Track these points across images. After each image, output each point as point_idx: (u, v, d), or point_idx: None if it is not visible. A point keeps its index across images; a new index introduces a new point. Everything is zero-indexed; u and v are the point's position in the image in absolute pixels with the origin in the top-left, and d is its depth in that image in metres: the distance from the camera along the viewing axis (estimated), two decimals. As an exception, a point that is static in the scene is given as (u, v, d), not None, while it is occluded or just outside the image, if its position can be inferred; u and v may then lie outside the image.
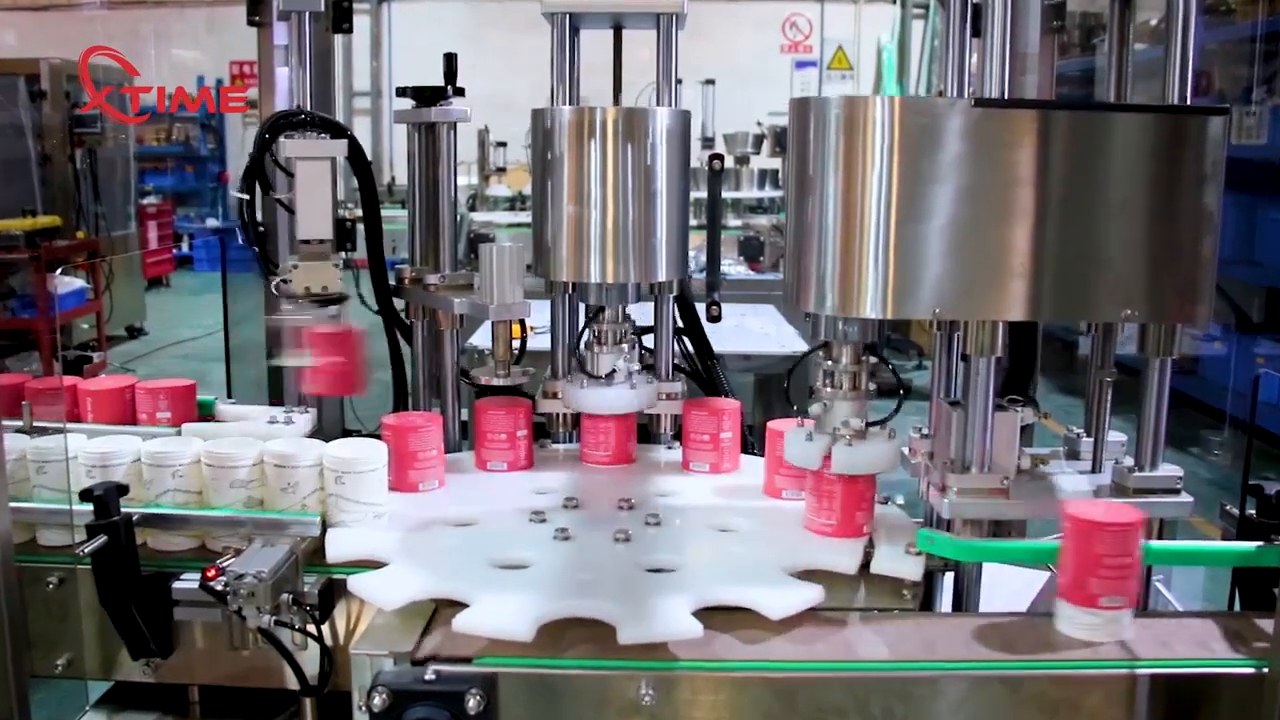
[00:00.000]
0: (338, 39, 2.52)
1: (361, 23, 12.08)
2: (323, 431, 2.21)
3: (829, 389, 1.82)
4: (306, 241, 2.13)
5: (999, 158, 1.64)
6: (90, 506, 1.70)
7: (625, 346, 2.27)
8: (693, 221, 2.40)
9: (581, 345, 2.32)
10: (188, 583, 1.69)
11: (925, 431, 1.91)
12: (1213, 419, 6.12)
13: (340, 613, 1.79)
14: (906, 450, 1.93)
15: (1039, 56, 2.11)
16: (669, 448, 2.36)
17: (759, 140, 8.38)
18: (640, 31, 2.32)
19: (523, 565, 1.76)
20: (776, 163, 8.41)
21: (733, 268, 6.39)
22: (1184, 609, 1.87)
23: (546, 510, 1.98)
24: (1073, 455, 1.95)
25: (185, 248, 13.59)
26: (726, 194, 7.83)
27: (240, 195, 2.16)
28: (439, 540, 1.87)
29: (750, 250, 6.58)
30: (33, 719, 1.65)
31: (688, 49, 2.28)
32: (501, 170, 8.92)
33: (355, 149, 2.19)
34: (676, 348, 2.40)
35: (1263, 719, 1.50)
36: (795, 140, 1.75)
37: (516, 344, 2.28)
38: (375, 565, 1.75)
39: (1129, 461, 1.82)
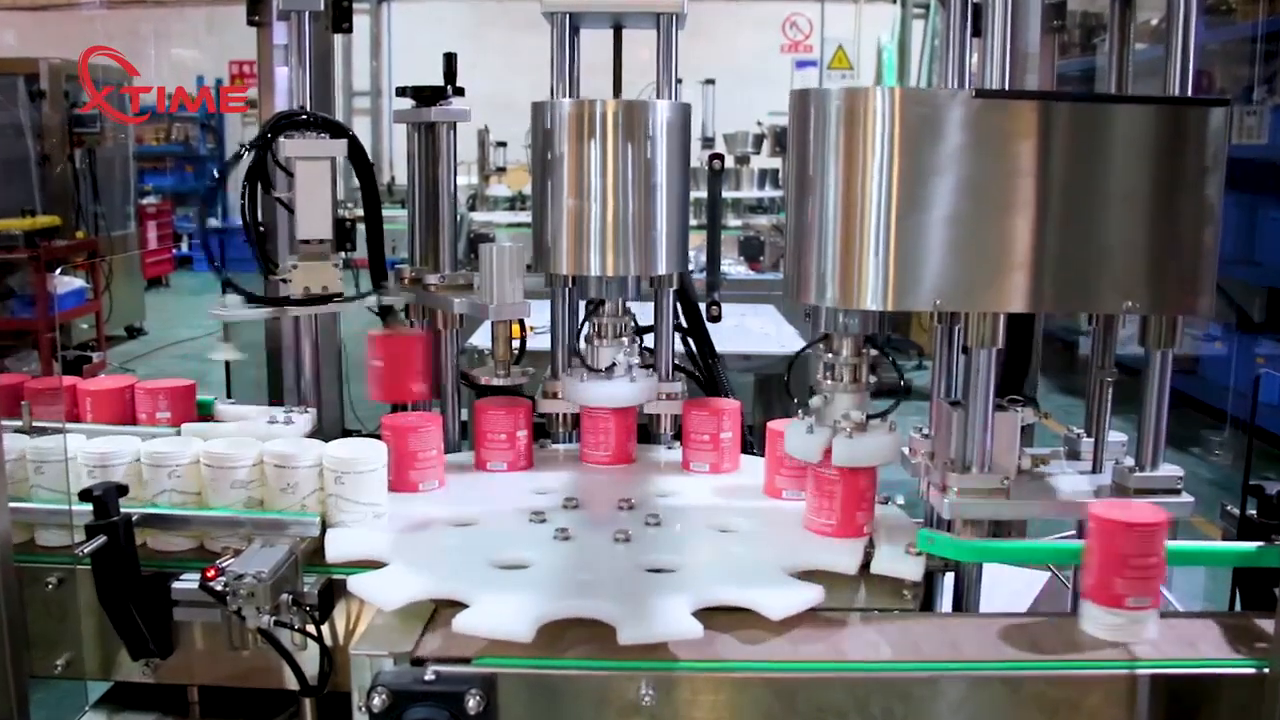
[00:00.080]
0: (337, 39, 2.52)
1: (361, 22, 12.04)
2: (323, 431, 2.20)
3: (829, 382, 1.82)
4: (306, 241, 2.13)
5: (1000, 149, 1.63)
6: (90, 506, 1.70)
7: (625, 340, 2.27)
8: (693, 221, 2.40)
9: (581, 339, 2.32)
10: (187, 583, 1.69)
11: (925, 431, 1.91)
12: (1213, 419, 6.12)
13: (340, 613, 1.79)
14: (907, 450, 1.92)
15: (1039, 56, 2.11)
16: (669, 448, 2.36)
17: (759, 140, 8.38)
18: (640, 31, 2.31)
19: (522, 565, 1.76)
20: (776, 162, 8.41)
21: (733, 268, 6.39)
22: (1184, 609, 1.87)
23: (546, 510, 1.97)
24: (1073, 455, 1.95)
25: (185, 247, 13.59)
26: (726, 194, 7.83)
27: (216, 180, 2.16)
28: (438, 540, 1.87)
29: (750, 250, 6.58)
30: (32, 719, 1.65)
31: (688, 49, 2.28)
32: (501, 170, 8.92)
33: (356, 149, 2.19)
34: (679, 347, 2.40)
35: (1263, 719, 1.50)
36: (796, 132, 1.74)
37: (516, 344, 2.28)
38: (375, 565, 1.75)
39: (1129, 461, 1.82)
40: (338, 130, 2.16)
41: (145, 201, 11.83)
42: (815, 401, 1.84)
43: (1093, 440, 1.93)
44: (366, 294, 2.22)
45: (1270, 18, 6.80)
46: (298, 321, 2.40)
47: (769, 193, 8.22)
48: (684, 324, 2.44)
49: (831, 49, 11.55)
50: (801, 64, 12.65)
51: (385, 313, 2.29)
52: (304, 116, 2.16)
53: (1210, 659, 1.58)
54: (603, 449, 2.26)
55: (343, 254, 2.19)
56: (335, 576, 1.76)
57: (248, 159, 2.13)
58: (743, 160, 8.25)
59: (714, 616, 1.60)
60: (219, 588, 1.63)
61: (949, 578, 1.84)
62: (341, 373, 2.59)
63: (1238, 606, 1.82)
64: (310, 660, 1.75)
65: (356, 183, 2.29)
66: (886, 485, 1.92)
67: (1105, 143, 1.64)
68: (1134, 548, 1.56)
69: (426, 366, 2.26)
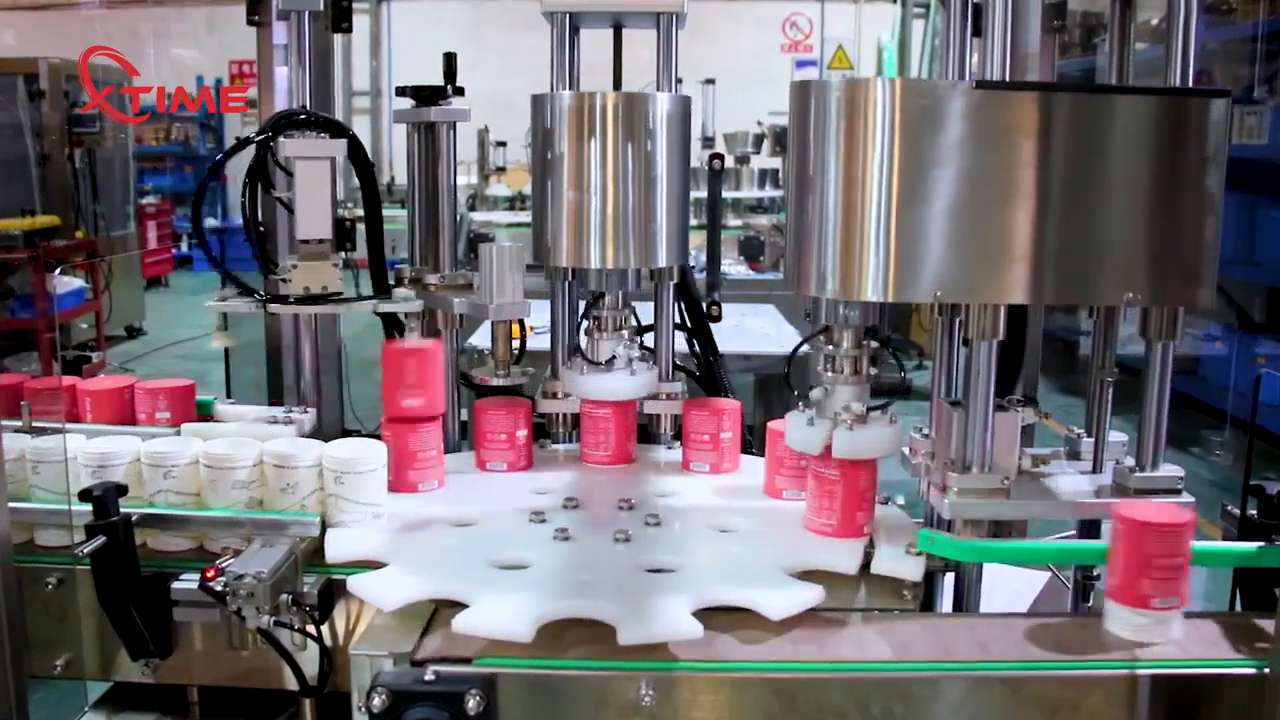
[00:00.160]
0: (337, 38, 2.52)
1: (361, 22, 12.05)
2: (322, 431, 2.20)
3: (830, 374, 1.82)
4: (306, 241, 2.13)
5: (1000, 140, 1.63)
6: (89, 507, 1.70)
7: (625, 333, 2.27)
8: (693, 221, 2.40)
9: (581, 332, 2.32)
10: (187, 583, 1.69)
11: (926, 431, 1.90)
12: (1214, 419, 6.11)
13: (340, 613, 1.79)
14: (907, 450, 1.92)
15: (1040, 56, 2.11)
16: (669, 448, 2.35)
17: (759, 140, 8.38)
18: (640, 31, 2.31)
19: (522, 565, 1.76)
20: (776, 162, 8.41)
21: (733, 267, 6.39)
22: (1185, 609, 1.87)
23: (546, 510, 1.97)
24: (1073, 455, 1.95)
25: (184, 247, 13.59)
26: (726, 194, 7.83)
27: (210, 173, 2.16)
28: (438, 540, 1.87)
29: (750, 250, 6.58)
30: (31, 719, 1.65)
31: (688, 48, 2.28)
32: (501, 170, 8.92)
33: (356, 149, 2.19)
34: (681, 347, 2.40)
35: (1264, 719, 1.50)
36: (796, 123, 1.74)
37: (516, 344, 2.28)
38: (375, 565, 1.75)
39: (1130, 461, 1.82)
40: (338, 130, 2.16)
41: (145, 201, 11.84)
42: (816, 394, 1.84)
43: (1093, 440, 1.93)
44: (367, 298, 2.21)
45: (1271, 17, 6.80)
46: (297, 321, 2.40)
47: (769, 193, 8.21)
48: (686, 322, 2.44)
49: (831, 49, 11.55)
50: (801, 64, 12.65)
51: (393, 323, 2.28)
52: (304, 116, 2.16)
53: (1210, 659, 1.57)
54: (603, 449, 2.26)
55: (342, 254, 2.19)
56: (335, 577, 1.76)
57: (245, 152, 2.13)
58: (743, 160, 8.25)
59: (714, 616, 1.60)
60: (219, 588, 1.63)
61: (949, 578, 1.84)
62: (341, 373, 2.59)
63: (1238, 606, 1.82)
64: (310, 660, 1.74)
65: (356, 182, 2.29)
66: (886, 485, 1.92)
67: (1106, 134, 1.64)
68: (1160, 548, 1.56)
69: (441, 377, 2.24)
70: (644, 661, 1.52)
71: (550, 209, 2.17)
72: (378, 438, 2.05)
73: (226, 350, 2.43)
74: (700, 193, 4.31)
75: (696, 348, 2.49)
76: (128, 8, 13.43)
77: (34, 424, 1.98)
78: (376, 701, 1.46)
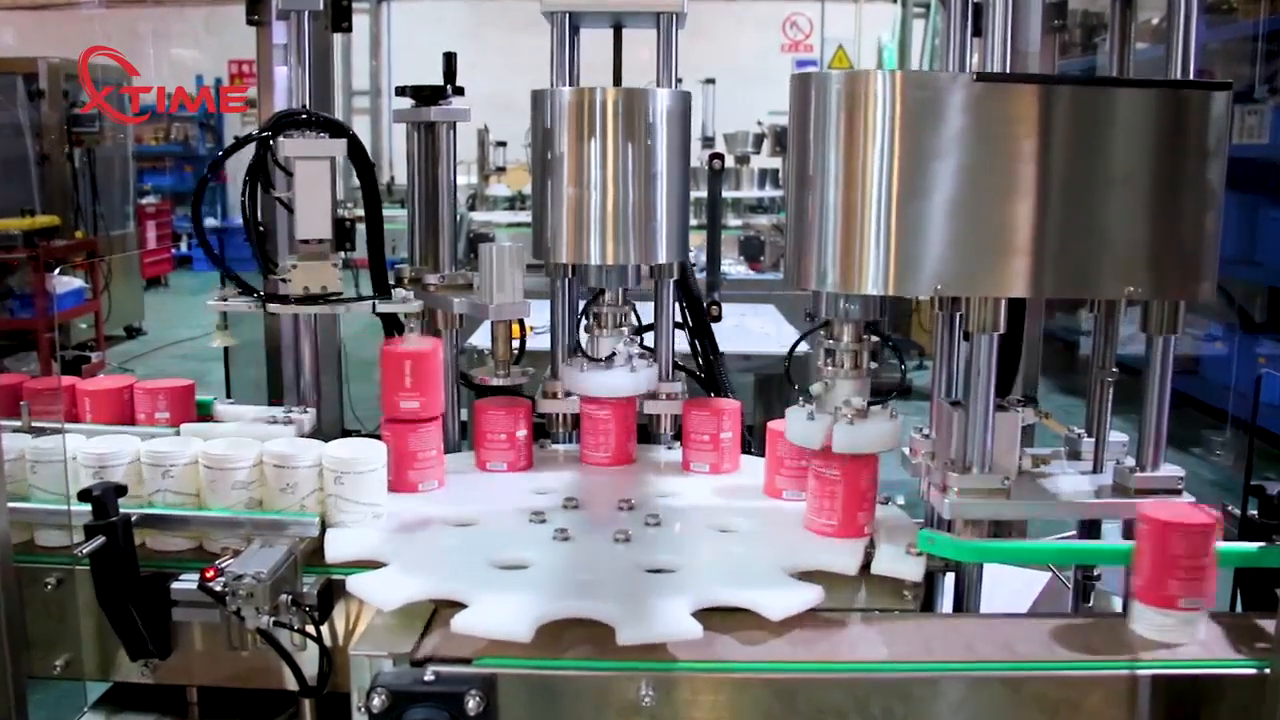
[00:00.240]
0: (337, 38, 2.52)
1: (361, 22, 12.07)
2: (322, 431, 2.20)
3: (830, 368, 1.82)
4: (306, 241, 2.13)
5: (1001, 134, 1.63)
6: (89, 507, 1.69)
7: (625, 330, 2.27)
8: (693, 221, 2.40)
9: (581, 328, 2.31)
10: (186, 583, 1.69)
11: (926, 431, 1.90)
12: (1214, 419, 6.11)
13: (339, 613, 1.79)
14: (907, 450, 1.92)
15: (1040, 56, 2.11)
16: (669, 448, 2.35)
17: (759, 140, 8.37)
18: (640, 31, 2.31)
19: (522, 565, 1.76)
20: (776, 162, 8.41)
21: (733, 267, 6.39)
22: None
23: (546, 510, 1.97)
24: (1074, 455, 1.95)
25: (184, 247, 13.59)
26: (727, 193, 7.82)
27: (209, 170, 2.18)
28: (438, 540, 1.87)
29: (750, 250, 6.57)
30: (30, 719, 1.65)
31: (688, 48, 2.28)
32: (501, 170, 8.91)
33: (356, 148, 2.19)
34: (682, 348, 2.39)
35: (1264, 719, 1.50)
36: (796, 117, 1.74)
37: (516, 344, 2.28)
38: (374, 565, 1.75)
39: (1130, 461, 1.82)
40: (338, 130, 2.16)
41: (144, 201, 11.83)
42: (816, 389, 1.84)
43: (1093, 440, 1.92)
44: (366, 298, 2.21)
45: (1271, 16, 6.79)
46: (297, 321, 2.40)
47: (769, 192, 8.21)
48: (687, 321, 2.44)
49: (832, 49, 11.56)
50: (802, 63, 12.65)
51: (392, 323, 2.28)
52: (304, 116, 2.16)
53: (1211, 659, 1.57)
54: (603, 450, 2.26)
55: (342, 254, 2.18)
56: (335, 577, 1.76)
57: (244, 152, 2.13)
58: (743, 160, 8.24)
59: (714, 617, 1.60)
60: (218, 588, 1.63)
61: (949, 578, 1.83)
62: (341, 372, 2.59)
63: (1238, 606, 1.82)
64: (310, 661, 1.74)
65: (356, 182, 2.29)
66: (887, 485, 1.92)
67: (1106, 128, 1.64)
68: (1186, 548, 1.56)
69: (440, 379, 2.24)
70: (644, 662, 1.52)
71: (550, 205, 2.17)
72: (378, 438, 2.05)
73: (226, 350, 2.42)
74: (700, 192, 4.31)
75: (697, 347, 2.48)
76: (127, 7, 13.41)
77: (33, 424, 1.98)
78: (376, 702, 1.45)
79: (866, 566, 1.75)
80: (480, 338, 4.16)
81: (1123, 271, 1.68)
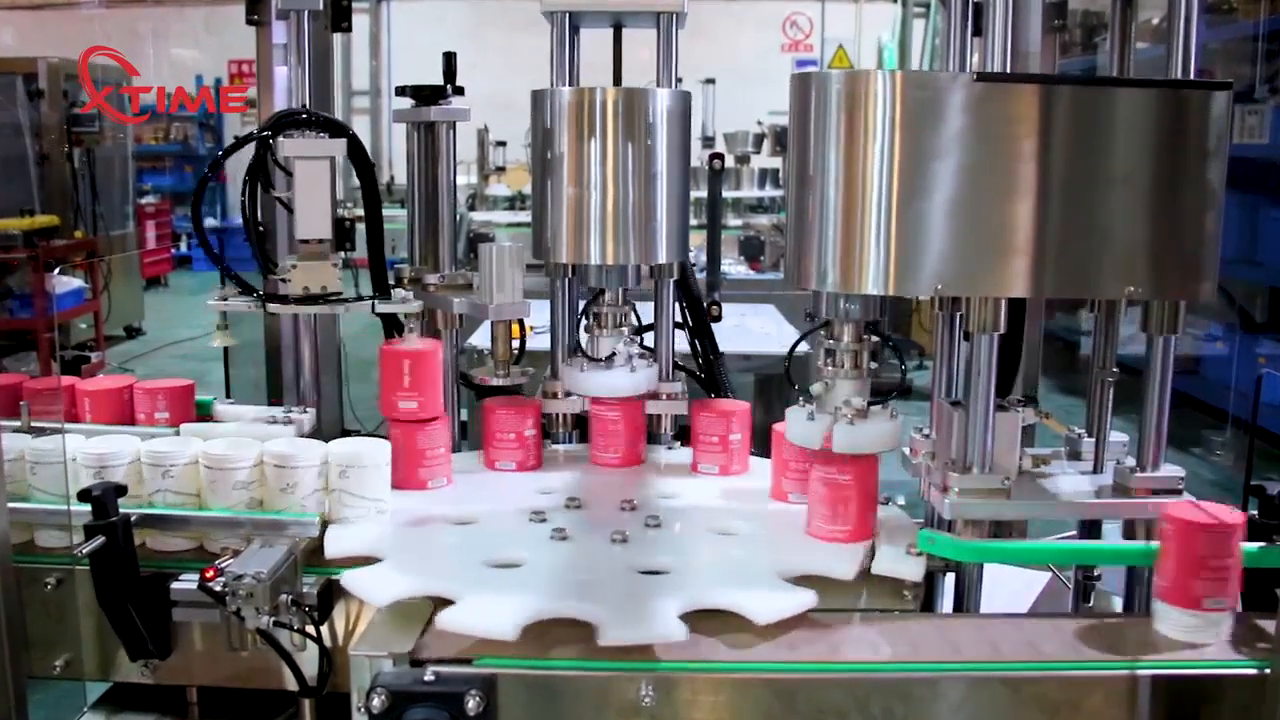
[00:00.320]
0: (337, 38, 2.51)
1: (360, 21, 12.04)
2: (321, 432, 2.20)
3: (830, 368, 1.82)
4: (305, 241, 2.13)
5: (1001, 133, 1.63)
6: (88, 507, 1.69)
7: (625, 330, 2.27)
8: (693, 221, 2.39)
9: (581, 328, 2.31)
10: (186, 583, 1.69)
11: (926, 432, 1.90)
12: (1215, 419, 6.11)
13: (339, 613, 1.79)
14: (907, 450, 1.92)
15: (1040, 55, 2.11)
16: (669, 448, 2.35)
17: (759, 140, 8.37)
18: (640, 30, 2.31)
19: (517, 565, 1.76)
20: (777, 162, 8.41)
21: (733, 267, 6.38)
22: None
23: (548, 510, 1.97)
24: (1074, 455, 1.95)
25: (184, 247, 13.58)
26: (727, 193, 7.82)
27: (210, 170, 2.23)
28: (437, 538, 1.87)
29: (750, 250, 6.57)
30: (30, 720, 1.65)
31: (688, 48, 2.28)
32: (501, 170, 8.91)
33: (356, 148, 2.19)
34: (683, 348, 2.39)
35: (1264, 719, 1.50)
36: (796, 116, 1.74)
37: (516, 344, 2.28)
38: (373, 561, 1.75)
39: (1131, 461, 1.82)
40: (337, 129, 2.15)
41: (144, 201, 11.83)
42: (816, 388, 1.84)
43: (1094, 440, 1.92)
44: (366, 298, 2.21)
45: (1272, 16, 6.79)
46: (297, 321, 2.39)
47: (769, 192, 8.21)
48: (687, 321, 2.44)
49: (832, 48, 11.56)
50: (802, 63, 12.64)
51: (392, 323, 2.28)
52: (304, 115, 2.16)
53: (1211, 659, 1.57)
54: (612, 450, 2.26)
55: (342, 254, 2.18)
56: (334, 577, 1.76)
57: (244, 152, 2.13)
58: (743, 160, 8.24)
59: (714, 617, 1.60)
60: (218, 588, 1.63)
61: (949, 578, 1.83)
62: (341, 372, 2.59)
63: (1238, 606, 1.82)
64: (309, 661, 1.74)
65: (356, 182, 2.29)
66: (887, 486, 1.91)
67: (1106, 127, 1.64)
68: (1211, 549, 1.56)
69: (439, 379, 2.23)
70: (644, 662, 1.52)
71: (550, 205, 2.17)
72: (384, 437, 2.05)
73: (226, 350, 2.42)
74: (700, 192, 4.30)
75: (697, 347, 2.48)
76: (127, 7, 13.41)
77: (33, 424, 1.98)
78: (376, 702, 1.45)
79: (867, 571, 1.74)
80: (480, 338, 4.15)
81: (1123, 271, 1.68)
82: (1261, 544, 1.71)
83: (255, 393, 2.53)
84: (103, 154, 9.13)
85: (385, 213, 2.30)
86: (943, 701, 1.53)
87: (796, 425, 1.83)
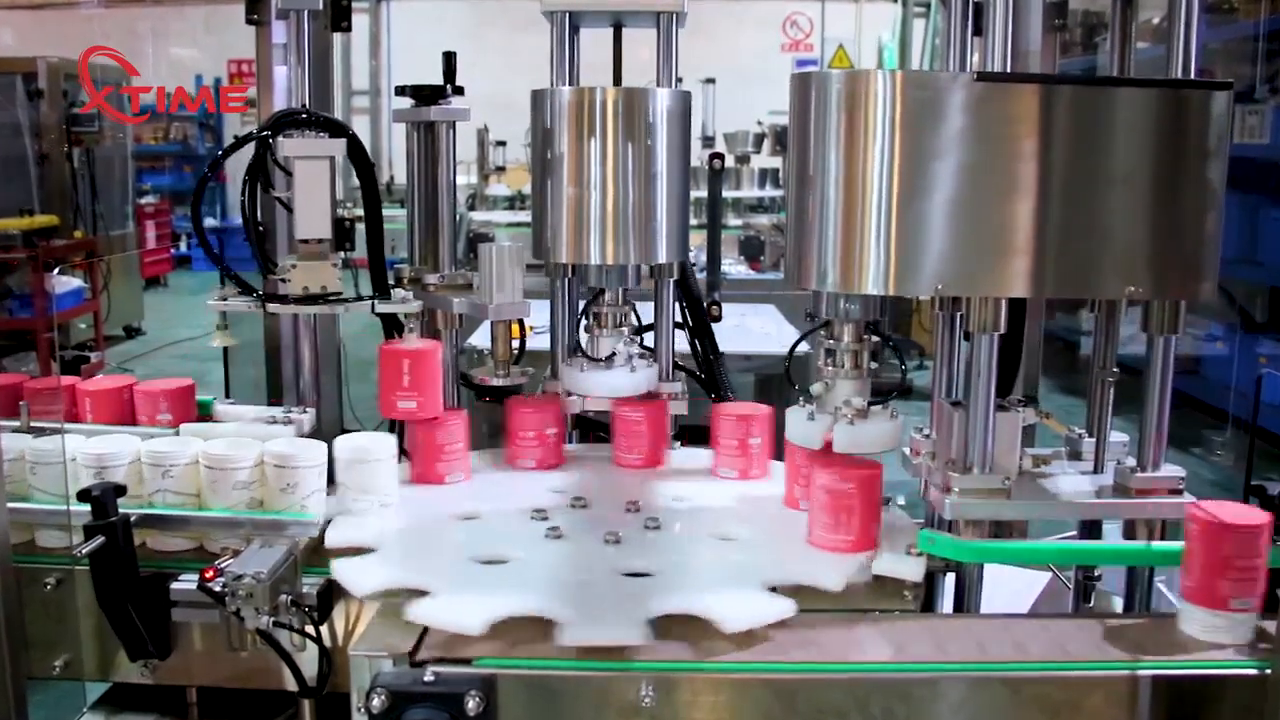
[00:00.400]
0: (336, 37, 2.51)
1: (360, 21, 12.05)
2: (321, 431, 2.20)
3: (830, 368, 1.81)
4: (305, 241, 2.13)
5: (1001, 133, 1.63)
6: (88, 507, 1.69)
7: (625, 330, 2.27)
8: (693, 221, 2.39)
9: (581, 328, 2.31)
10: (186, 584, 1.69)
11: (926, 432, 1.90)
12: (1215, 419, 6.11)
13: (339, 614, 1.79)
14: (908, 450, 1.92)
15: (1040, 55, 2.11)
16: (670, 448, 2.34)
17: (759, 139, 8.37)
18: (640, 30, 2.31)
19: (504, 561, 1.77)
20: (777, 162, 8.40)
21: (733, 267, 6.38)
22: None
23: (551, 509, 1.98)
24: (1074, 456, 1.95)
25: (183, 247, 13.58)
26: (727, 193, 7.82)
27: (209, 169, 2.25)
28: (434, 532, 1.89)
29: (751, 250, 6.57)
30: (30, 720, 1.65)
31: (688, 48, 2.28)
32: (501, 169, 8.91)
33: (356, 148, 2.18)
34: (683, 348, 2.39)
35: (1265, 720, 1.50)
36: (797, 116, 1.74)
37: (516, 344, 2.28)
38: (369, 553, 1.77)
39: (1131, 461, 1.82)
40: (337, 129, 2.15)
41: (143, 201, 11.82)
42: (816, 388, 1.84)
43: (1094, 440, 1.92)
44: (366, 298, 2.21)
45: (1272, 16, 6.78)
46: (296, 321, 2.39)
47: (769, 192, 8.21)
48: (687, 321, 2.43)
49: (832, 48, 11.55)
50: (802, 63, 12.64)
51: (392, 323, 2.28)
52: (304, 115, 2.15)
53: (1212, 660, 1.57)
54: (635, 452, 2.25)
55: (342, 254, 2.18)
56: (334, 577, 1.76)
57: (244, 152, 2.13)
58: (743, 160, 8.24)
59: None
60: (217, 588, 1.63)
61: (950, 578, 1.83)
62: (341, 372, 2.59)
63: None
64: (309, 661, 1.74)
65: (356, 182, 2.29)
66: (888, 486, 1.91)
67: (1107, 127, 1.64)
68: (1238, 549, 1.56)
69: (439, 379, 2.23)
70: (644, 662, 1.52)
71: (550, 205, 2.17)
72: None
73: (225, 350, 2.42)
74: (700, 192, 4.30)
75: (697, 347, 2.48)
76: (126, 7, 13.41)
77: (33, 424, 1.97)
78: (376, 702, 1.45)
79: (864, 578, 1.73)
80: (480, 338, 4.15)
81: (1123, 271, 1.68)
82: (1262, 544, 1.71)
83: (255, 393, 2.52)
84: (102, 154, 9.13)
85: (385, 213, 2.30)
86: (943, 702, 1.53)
87: (797, 425, 1.83)
